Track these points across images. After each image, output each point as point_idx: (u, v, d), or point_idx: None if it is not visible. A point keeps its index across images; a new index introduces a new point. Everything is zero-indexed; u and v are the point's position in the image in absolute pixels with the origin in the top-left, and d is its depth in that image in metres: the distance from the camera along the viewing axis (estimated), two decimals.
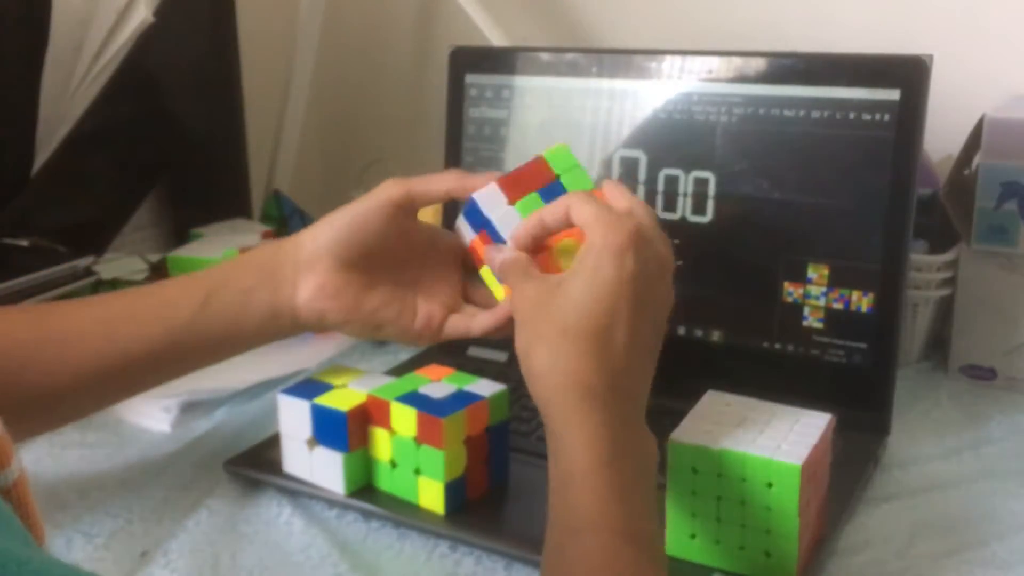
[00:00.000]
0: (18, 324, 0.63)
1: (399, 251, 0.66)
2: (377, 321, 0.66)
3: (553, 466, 0.52)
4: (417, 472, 0.63)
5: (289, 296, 0.65)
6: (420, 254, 0.67)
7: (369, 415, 0.64)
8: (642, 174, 0.80)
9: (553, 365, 0.53)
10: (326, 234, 0.65)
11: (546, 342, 0.54)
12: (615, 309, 0.53)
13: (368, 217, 0.64)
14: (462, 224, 0.66)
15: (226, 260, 0.67)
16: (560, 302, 0.54)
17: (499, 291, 0.64)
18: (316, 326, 0.66)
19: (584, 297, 0.54)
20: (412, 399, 0.63)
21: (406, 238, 0.66)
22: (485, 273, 0.65)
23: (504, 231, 0.62)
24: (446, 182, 0.65)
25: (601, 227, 0.55)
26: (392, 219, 0.65)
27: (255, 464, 0.70)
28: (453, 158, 0.88)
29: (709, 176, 0.77)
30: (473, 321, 0.66)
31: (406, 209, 0.65)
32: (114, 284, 0.95)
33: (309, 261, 0.65)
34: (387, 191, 0.65)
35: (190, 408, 0.79)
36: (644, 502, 0.50)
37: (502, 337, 0.64)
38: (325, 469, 0.65)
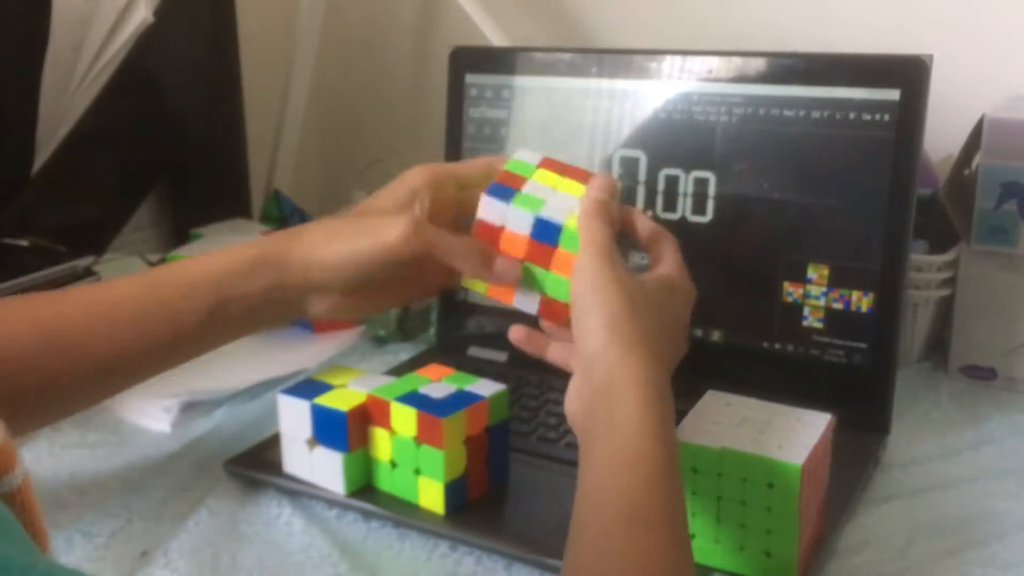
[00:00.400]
0: (21, 315, 0.63)
1: (409, 268, 0.64)
2: (390, 307, 0.68)
3: (608, 438, 0.51)
4: (417, 472, 0.63)
5: (298, 310, 0.65)
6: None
7: (369, 415, 0.64)
8: (642, 174, 0.80)
9: (619, 335, 0.54)
10: (332, 272, 0.63)
11: (615, 309, 0.55)
12: (665, 340, 0.58)
13: (370, 262, 0.62)
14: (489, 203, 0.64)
15: (230, 262, 0.65)
16: (640, 290, 0.58)
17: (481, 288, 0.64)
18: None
19: (655, 307, 0.58)
20: (412, 399, 0.63)
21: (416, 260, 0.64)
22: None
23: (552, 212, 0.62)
24: (467, 267, 0.63)
25: (680, 272, 0.63)
26: (396, 267, 0.63)
27: (255, 464, 0.70)
28: (453, 158, 0.88)
29: (709, 176, 0.77)
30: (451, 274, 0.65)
31: (420, 256, 0.63)
32: None
33: (318, 287, 0.64)
34: (398, 237, 0.61)
35: (190, 408, 0.79)
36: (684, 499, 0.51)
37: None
38: (325, 469, 0.65)
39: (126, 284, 0.65)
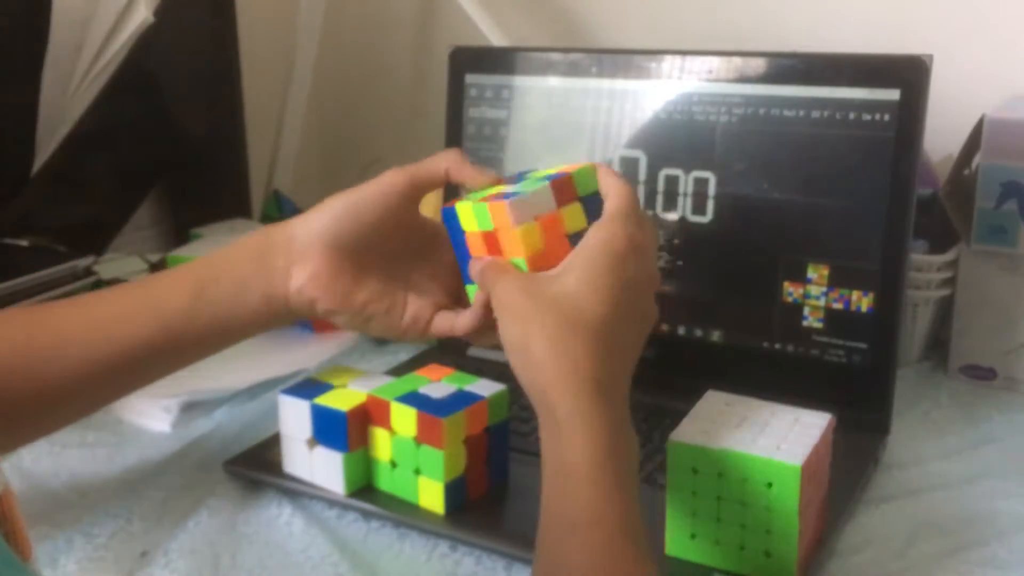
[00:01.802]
0: (7, 329, 0.62)
1: (394, 243, 0.65)
2: (367, 314, 0.65)
3: (551, 457, 0.51)
4: (417, 472, 0.63)
5: (282, 284, 0.63)
6: (415, 249, 0.66)
7: (369, 415, 0.64)
8: (642, 174, 0.80)
9: (560, 355, 0.52)
10: (320, 220, 0.63)
11: (548, 332, 0.53)
12: (616, 309, 0.54)
13: (365, 203, 0.63)
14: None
15: (217, 251, 0.65)
16: (560, 295, 0.54)
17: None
18: (307, 314, 0.65)
19: (588, 293, 0.54)
20: (412, 399, 0.63)
21: (403, 230, 0.65)
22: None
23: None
24: (446, 162, 0.64)
25: (611, 226, 0.57)
26: (390, 207, 0.63)
27: (255, 464, 0.70)
28: None
29: (709, 176, 0.77)
30: (457, 320, 0.64)
31: (408, 197, 0.64)
32: (114, 284, 0.95)
33: (302, 249, 0.63)
34: (389, 178, 0.64)
35: (190, 408, 0.79)
36: (636, 499, 0.50)
37: (485, 340, 0.63)
38: (325, 469, 0.65)
39: (116, 288, 0.66)
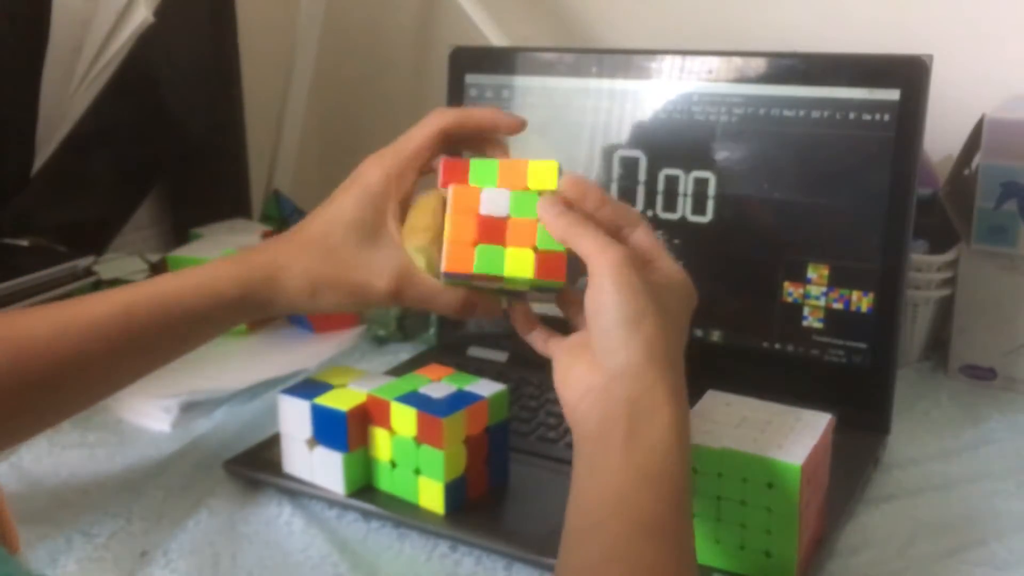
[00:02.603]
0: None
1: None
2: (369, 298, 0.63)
3: (637, 451, 0.50)
4: (417, 472, 0.63)
5: (264, 309, 0.64)
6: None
7: (369, 415, 0.64)
8: (642, 174, 0.80)
9: (672, 339, 0.54)
10: (311, 311, 0.66)
11: (659, 320, 0.53)
12: (661, 310, 0.54)
13: (358, 309, 0.66)
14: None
15: (212, 297, 0.62)
16: (664, 285, 0.55)
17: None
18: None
19: (680, 287, 0.57)
20: (412, 399, 0.63)
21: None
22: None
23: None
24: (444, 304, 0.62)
25: (675, 265, 0.58)
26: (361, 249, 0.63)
27: (255, 464, 0.70)
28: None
29: (709, 176, 0.77)
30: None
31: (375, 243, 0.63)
32: (114, 284, 0.94)
33: (284, 292, 0.63)
34: (386, 296, 0.62)
35: (190, 408, 0.79)
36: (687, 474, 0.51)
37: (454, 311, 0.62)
38: (325, 469, 0.65)
39: (100, 306, 0.62)
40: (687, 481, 0.50)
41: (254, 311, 0.64)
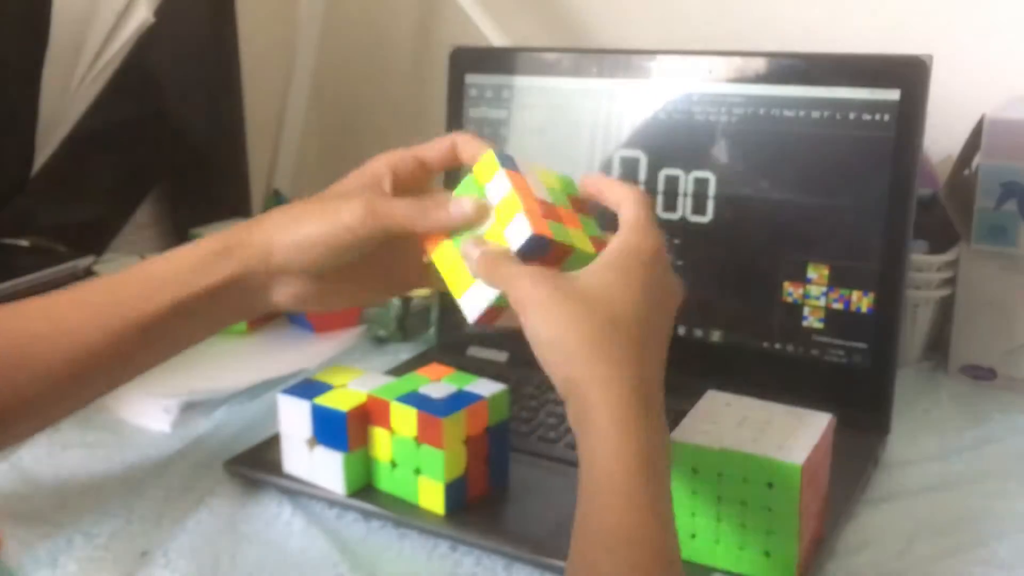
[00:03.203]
0: None
1: (372, 254, 0.62)
2: (358, 302, 0.66)
3: (587, 460, 0.49)
4: (417, 472, 0.63)
5: (263, 299, 0.62)
6: (394, 244, 0.63)
7: (369, 415, 0.64)
8: (642, 174, 0.80)
9: (599, 352, 0.50)
10: (294, 253, 0.61)
11: (585, 328, 0.50)
12: (649, 313, 0.52)
13: (332, 241, 0.61)
14: None
15: (191, 256, 0.62)
16: (592, 292, 0.52)
17: (457, 280, 0.58)
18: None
19: (621, 293, 0.52)
20: (412, 399, 0.63)
21: (378, 246, 0.62)
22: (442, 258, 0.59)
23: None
24: (431, 218, 0.60)
25: (639, 231, 0.55)
26: (358, 244, 0.61)
27: (255, 464, 0.70)
28: None
29: (709, 176, 0.77)
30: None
31: (374, 239, 0.61)
32: None
33: (280, 273, 0.62)
34: (355, 218, 0.60)
35: (190, 408, 0.79)
36: (671, 514, 0.49)
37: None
38: (325, 469, 0.65)
39: (86, 290, 0.63)
40: (650, 491, 0.48)
41: (233, 261, 0.61)
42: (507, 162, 0.58)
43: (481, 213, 0.58)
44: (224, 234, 0.63)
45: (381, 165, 0.64)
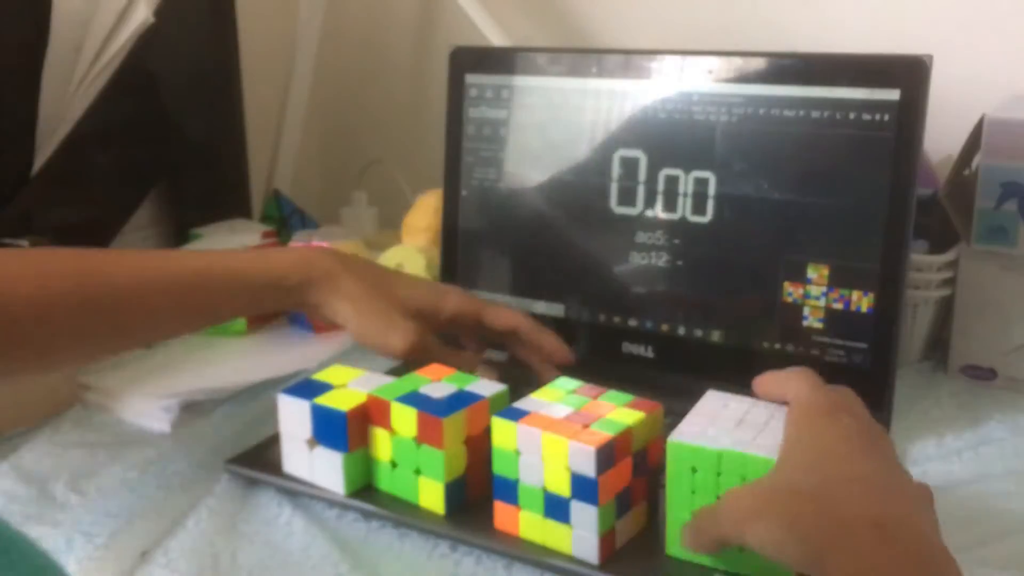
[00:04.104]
0: (63, 260, 0.65)
1: None
2: None
3: None
4: (417, 472, 0.63)
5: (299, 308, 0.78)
6: None
7: (369, 415, 0.64)
8: (642, 174, 0.80)
9: (797, 535, 0.46)
10: (337, 320, 0.74)
11: (783, 520, 0.46)
12: (825, 457, 0.49)
13: (374, 348, 0.74)
14: None
15: (273, 288, 0.71)
16: (784, 481, 0.49)
17: None
18: None
19: (808, 457, 0.50)
20: (412, 399, 0.63)
21: None
22: None
23: None
24: (455, 363, 0.70)
25: (803, 396, 0.55)
26: (393, 360, 0.75)
27: (255, 464, 0.70)
28: (453, 158, 0.88)
29: (709, 176, 0.77)
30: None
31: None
32: None
33: (321, 316, 0.75)
34: (401, 345, 0.72)
35: (190, 408, 0.79)
36: None
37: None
38: (325, 469, 0.65)
39: (178, 265, 0.69)
40: None
41: (298, 305, 0.74)
42: (514, 414, 0.60)
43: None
44: (307, 288, 0.72)
45: (448, 301, 0.77)
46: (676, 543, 0.57)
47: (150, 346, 0.85)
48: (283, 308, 0.79)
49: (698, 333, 0.79)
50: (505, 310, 0.79)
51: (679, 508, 0.57)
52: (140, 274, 0.66)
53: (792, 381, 0.58)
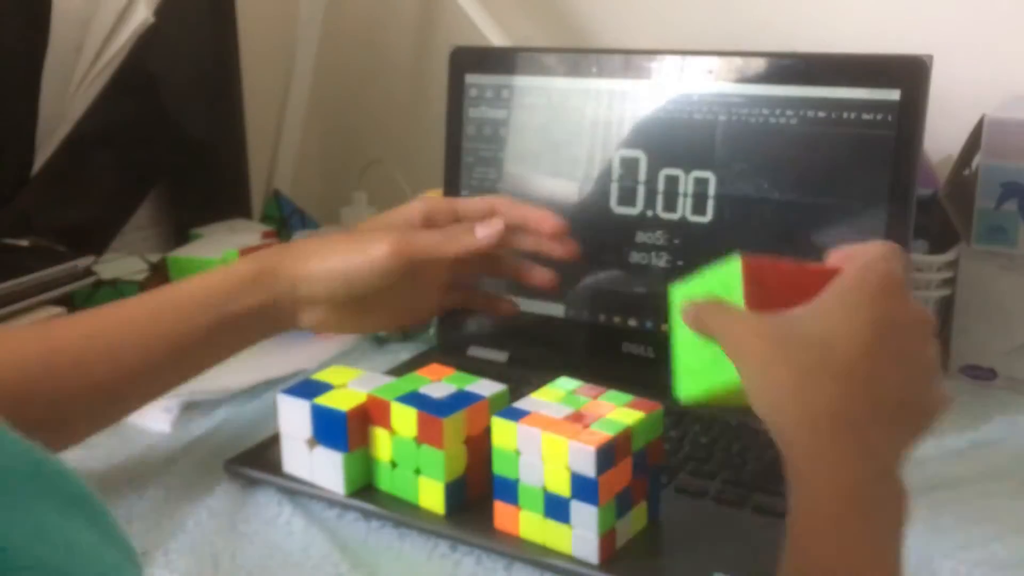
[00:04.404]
0: (26, 342, 0.64)
1: (395, 287, 0.67)
2: (381, 328, 0.70)
3: (790, 510, 0.46)
4: (417, 472, 0.63)
5: (291, 323, 0.69)
6: (417, 275, 0.68)
7: (369, 415, 0.64)
8: (642, 174, 0.80)
9: (805, 394, 0.46)
10: (319, 286, 0.66)
11: (794, 372, 0.47)
12: (871, 348, 0.47)
13: (360, 275, 0.65)
14: None
15: (225, 282, 0.67)
16: (806, 334, 0.48)
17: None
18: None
19: (838, 330, 0.47)
20: (412, 399, 0.63)
21: (401, 278, 0.67)
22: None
23: None
24: (460, 243, 0.64)
25: (858, 268, 0.50)
26: (387, 278, 0.65)
27: (255, 464, 0.70)
28: (453, 158, 0.88)
29: (709, 176, 0.77)
30: (468, 300, 0.69)
31: (402, 273, 0.65)
32: (114, 284, 0.94)
33: (307, 301, 0.67)
34: (383, 252, 0.64)
35: (190, 408, 0.79)
36: (896, 551, 0.45)
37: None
38: (325, 469, 0.65)
39: (126, 308, 0.67)
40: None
41: (263, 288, 0.67)
42: (514, 414, 0.60)
43: (506, 236, 0.63)
44: (257, 259, 0.67)
45: (415, 208, 0.69)
46: (684, 387, 0.55)
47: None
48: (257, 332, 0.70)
49: None
50: (477, 198, 0.73)
51: (684, 347, 0.55)
52: (90, 327, 0.65)
53: (872, 248, 0.52)
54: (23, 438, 0.26)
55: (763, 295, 0.52)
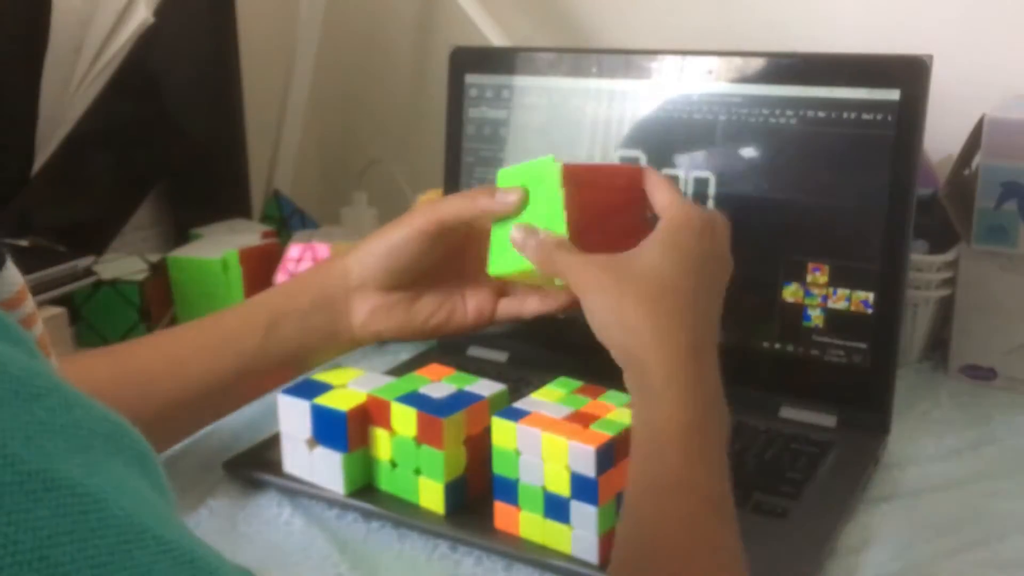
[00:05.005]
0: (97, 366, 0.65)
1: (440, 262, 0.69)
2: (432, 326, 0.70)
3: (642, 422, 0.53)
4: (417, 472, 0.63)
5: (345, 320, 0.69)
6: (460, 254, 0.70)
7: (369, 415, 0.64)
8: None
9: (655, 320, 0.54)
10: (368, 262, 0.68)
11: (640, 300, 0.55)
12: (699, 281, 0.57)
13: (402, 245, 0.68)
14: None
15: (282, 285, 0.71)
16: (643, 269, 0.57)
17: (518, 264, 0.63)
18: (373, 342, 0.71)
19: (671, 266, 0.57)
20: (412, 399, 0.63)
21: (444, 250, 0.69)
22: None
23: None
24: (478, 204, 0.66)
25: (682, 208, 0.60)
26: (425, 244, 0.67)
27: (255, 464, 0.70)
28: (453, 158, 0.88)
29: (709, 176, 0.77)
30: (524, 305, 0.70)
31: (437, 236, 0.67)
32: (114, 284, 0.94)
33: (357, 287, 0.68)
34: (417, 221, 0.67)
35: None
36: (725, 469, 0.51)
37: (555, 313, 0.68)
38: (325, 469, 0.65)
39: (198, 328, 0.69)
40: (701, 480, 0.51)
41: (315, 282, 0.70)
42: (514, 414, 0.60)
43: (523, 202, 0.64)
44: (311, 267, 0.72)
45: (425, 217, 0.70)
46: (495, 265, 0.64)
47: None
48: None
49: None
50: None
51: (501, 233, 0.63)
52: (157, 343, 0.68)
53: (662, 190, 0.62)
54: (98, 402, 0.28)
55: (576, 188, 0.61)
